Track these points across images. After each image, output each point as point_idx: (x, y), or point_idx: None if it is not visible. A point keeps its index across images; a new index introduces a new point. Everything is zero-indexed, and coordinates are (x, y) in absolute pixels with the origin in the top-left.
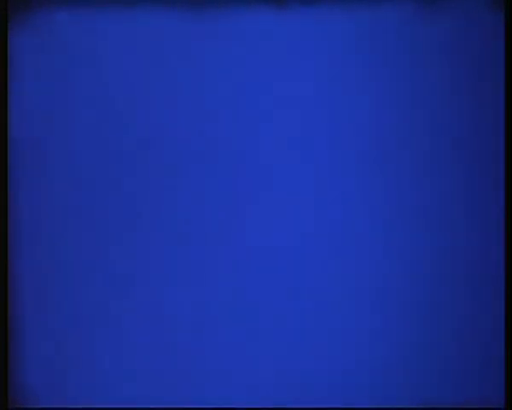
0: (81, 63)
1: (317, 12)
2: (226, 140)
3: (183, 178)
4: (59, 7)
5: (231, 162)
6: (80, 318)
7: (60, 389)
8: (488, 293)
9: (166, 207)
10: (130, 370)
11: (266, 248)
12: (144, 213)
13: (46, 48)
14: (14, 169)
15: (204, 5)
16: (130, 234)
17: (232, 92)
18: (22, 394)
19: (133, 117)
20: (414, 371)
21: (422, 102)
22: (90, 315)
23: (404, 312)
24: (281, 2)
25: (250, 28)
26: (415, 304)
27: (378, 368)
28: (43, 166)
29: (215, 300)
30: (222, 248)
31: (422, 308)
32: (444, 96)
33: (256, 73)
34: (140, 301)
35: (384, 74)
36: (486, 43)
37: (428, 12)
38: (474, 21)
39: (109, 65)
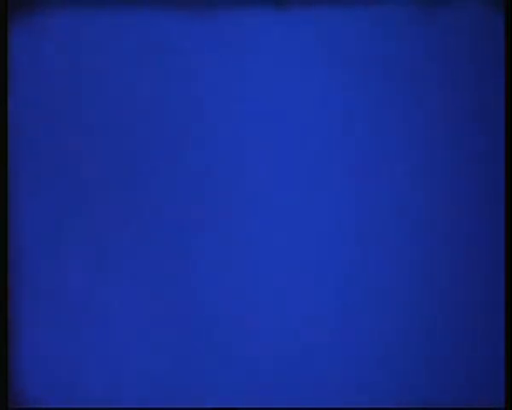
0: (81, 63)
1: (317, 12)
2: (226, 139)
3: (182, 177)
4: (59, 7)
5: (231, 161)
6: (80, 318)
7: (60, 390)
8: (488, 293)
9: (165, 206)
10: (130, 371)
11: (266, 249)
12: (143, 213)
13: (46, 48)
14: (14, 169)
15: (204, 5)
16: (131, 234)
17: (232, 92)
18: (22, 394)
19: (133, 116)
20: (414, 371)
21: (422, 102)
22: (91, 316)
23: (404, 312)
24: (280, 3)
25: (250, 28)
26: (415, 304)
27: (378, 368)
28: (43, 165)
29: (214, 300)
30: (221, 248)
31: (423, 308)
32: (444, 96)
33: (256, 73)
34: (141, 303)
35: (384, 74)
36: (486, 43)
37: (428, 12)
38: (474, 21)
39: (109, 65)
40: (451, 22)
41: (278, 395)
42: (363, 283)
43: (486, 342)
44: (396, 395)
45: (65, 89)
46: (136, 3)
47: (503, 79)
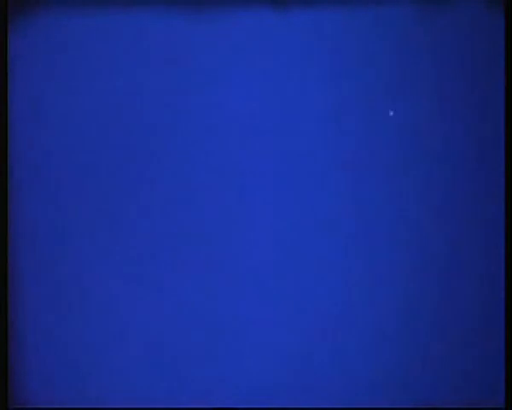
0: (81, 63)
1: (317, 12)
2: (225, 139)
3: (183, 178)
4: (59, 7)
5: (230, 161)
6: (81, 319)
7: (60, 390)
8: (488, 293)
9: (164, 207)
10: (130, 371)
11: (264, 249)
12: (142, 212)
13: (46, 48)
14: (14, 169)
15: (203, 5)
16: (131, 234)
17: (232, 92)
18: (22, 394)
19: (133, 116)
20: (414, 371)
21: (422, 101)
22: (91, 316)
23: (404, 312)
24: (280, 3)
25: (250, 28)
26: (415, 304)
27: (378, 368)
28: (43, 165)
29: (215, 299)
30: (218, 249)
31: (423, 309)
32: (443, 96)
33: (256, 73)
34: (140, 304)
35: (384, 74)
36: (486, 43)
37: (428, 12)
38: (474, 21)
39: (109, 65)
40: (451, 22)
41: (277, 395)
42: (361, 283)
43: (486, 342)
44: (396, 396)
45: (65, 89)
46: (136, 4)
47: (503, 78)
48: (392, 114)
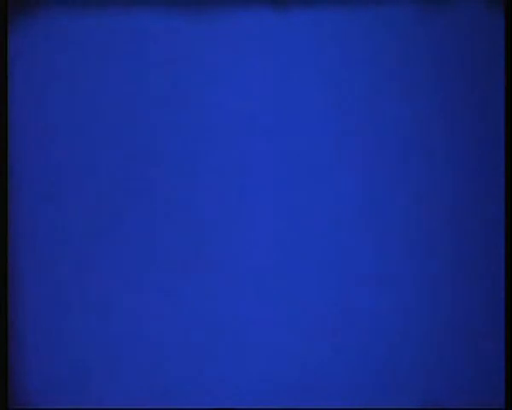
0: (81, 63)
1: (317, 12)
2: (225, 139)
3: (183, 179)
4: (59, 7)
5: (231, 161)
6: (81, 318)
7: (60, 390)
8: (488, 293)
9: (164, 206)
10: (130, 371)
11: (264, 249)
12: (142, 212)
13: (46, 48)
14: (14, 169)
15: (203, 5)
16: (131, 234)
17: (232, 92)
18: (22, 394)
19: (133, 116)
20: (414, 371)
21: (423, 102)
22: (92, 316)
23: (404, 312)
24: (280, 3)
25: (250, 28)
26: (415, 305)
27: (378, 368)
28: (43, 166)
29: (214, 301)
30: (218, 249)
31: (423, 309)
32: (443, 96)
33: (256, 73)
34: (140, 304)
35: (384, 74)
36: (486, 43)
37: (428, 12)
38: (474, 21)
39: (109, 65)
40: (451, 22)
41: (277, 395)
42: (361, 283)
43: (487, 342)
44: (396, 396)
45: (65, 88)
46: (136, 4)
47: (503, 78)
48: None
